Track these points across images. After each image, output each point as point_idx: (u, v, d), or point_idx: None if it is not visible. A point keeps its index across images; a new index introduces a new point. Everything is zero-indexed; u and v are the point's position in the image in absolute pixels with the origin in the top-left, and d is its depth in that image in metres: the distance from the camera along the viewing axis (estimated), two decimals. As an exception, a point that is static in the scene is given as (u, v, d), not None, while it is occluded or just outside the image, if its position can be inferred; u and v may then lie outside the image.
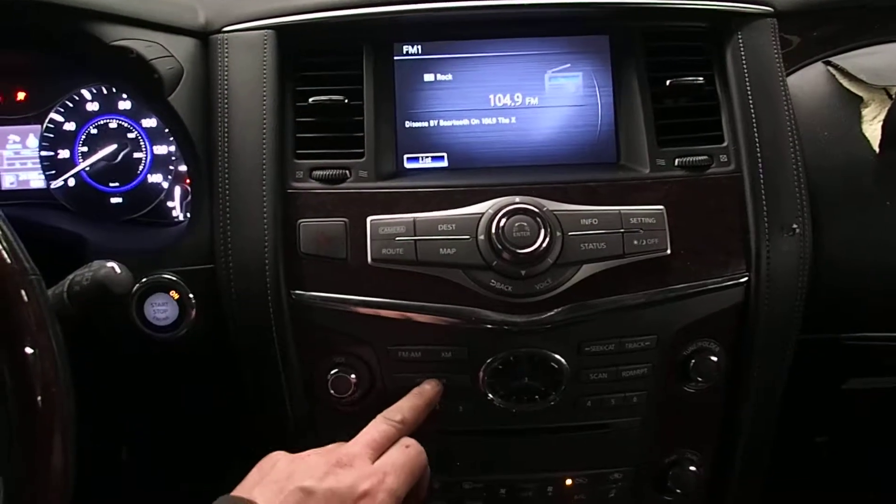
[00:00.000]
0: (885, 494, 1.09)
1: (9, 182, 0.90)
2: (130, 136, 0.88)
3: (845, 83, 0.83)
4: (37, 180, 0.90)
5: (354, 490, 0.57)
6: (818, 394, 1.02)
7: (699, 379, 0.75)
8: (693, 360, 0.75)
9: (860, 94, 0.82)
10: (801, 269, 0.74)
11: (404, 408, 0.68)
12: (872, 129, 0.80)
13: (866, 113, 0.81)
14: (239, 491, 0.57)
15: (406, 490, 0.61)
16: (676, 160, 0.75)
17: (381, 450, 0.63)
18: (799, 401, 0.85)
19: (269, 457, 0.61)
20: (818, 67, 0.85)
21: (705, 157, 0.76)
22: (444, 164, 0.78)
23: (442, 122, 0.78)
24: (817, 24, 0.83)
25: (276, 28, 0.76)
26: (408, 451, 0.63)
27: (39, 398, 0.48)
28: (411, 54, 0.79)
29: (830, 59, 0.85)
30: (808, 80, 0.84)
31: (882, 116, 0.79)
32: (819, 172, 0.77)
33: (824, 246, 0.76)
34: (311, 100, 0.75)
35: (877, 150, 0.79)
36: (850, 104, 0.82)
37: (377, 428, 0.65)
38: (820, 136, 0.80)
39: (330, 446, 0.62)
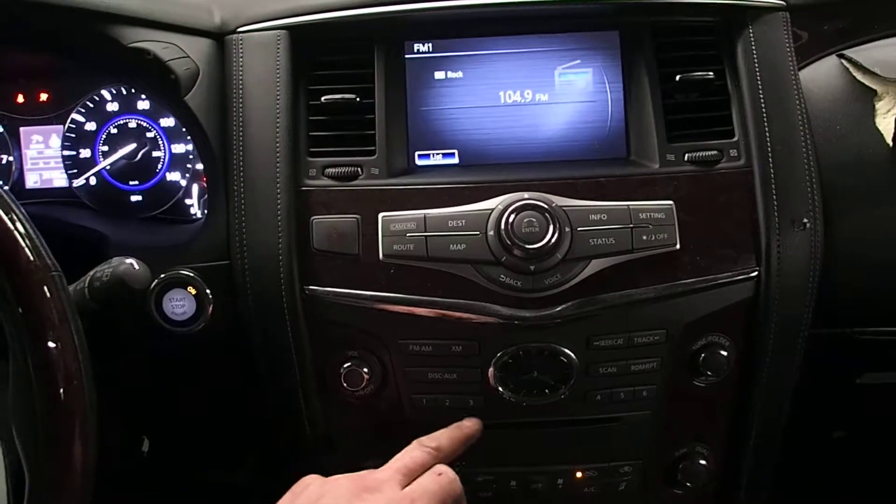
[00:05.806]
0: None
1: (32, 181, 0.93)
2: (149, 135, 0.90)
3: (859, 76, 0.82)
4: (59, 179, 0.92)
5: None
6: (833, 389, 1.02)
7: (709, 373, 0.76)
8: (703, 355, 0.75)
9: (874, 87, 0.81)
10: (812, 264, 0.74)
11: (441, 436, 0.68)
12: (886, 123, 0.79)
13: (880, 106, 0.80)
14: None
15: None
16: (686, 155, 0.75)
17: (412, 476, 0.62)
18: (813, 396, 0.84)
19: (301, 480, 0.62)
20: (831, 61, 0.84)
21: (715, 152, 0.76)
22: (455, 160, 0.79)
23: (452, 120, 0.79)
24: (830, 18, 0.82)
25: (290, 28, 0.77)
26: (440, 479, 0.62)
27: (62, 390, 0.50)
28: (422, 52, 0.79)
29: (844, 52, 0.84)
30: (820, 74, 0.83)
31: (896, 110, 0.79)
32: (831, 167, 0.77)
33: (835, 240, 0.76)
34: (323, 98, 0.77)
35: (890, 143, 0.78)
36: (864, 97, 0.81)
37: (410, 454, 0.64)
38: (832, 130, 0.80)
39: (362, 472, 0.62)
